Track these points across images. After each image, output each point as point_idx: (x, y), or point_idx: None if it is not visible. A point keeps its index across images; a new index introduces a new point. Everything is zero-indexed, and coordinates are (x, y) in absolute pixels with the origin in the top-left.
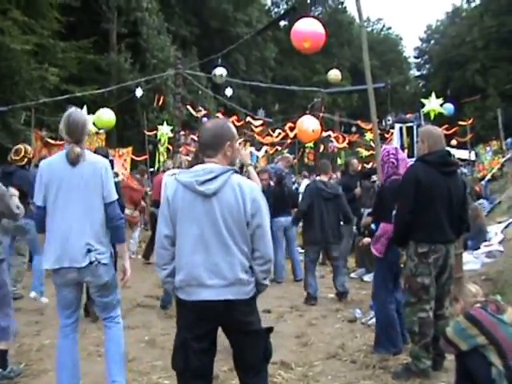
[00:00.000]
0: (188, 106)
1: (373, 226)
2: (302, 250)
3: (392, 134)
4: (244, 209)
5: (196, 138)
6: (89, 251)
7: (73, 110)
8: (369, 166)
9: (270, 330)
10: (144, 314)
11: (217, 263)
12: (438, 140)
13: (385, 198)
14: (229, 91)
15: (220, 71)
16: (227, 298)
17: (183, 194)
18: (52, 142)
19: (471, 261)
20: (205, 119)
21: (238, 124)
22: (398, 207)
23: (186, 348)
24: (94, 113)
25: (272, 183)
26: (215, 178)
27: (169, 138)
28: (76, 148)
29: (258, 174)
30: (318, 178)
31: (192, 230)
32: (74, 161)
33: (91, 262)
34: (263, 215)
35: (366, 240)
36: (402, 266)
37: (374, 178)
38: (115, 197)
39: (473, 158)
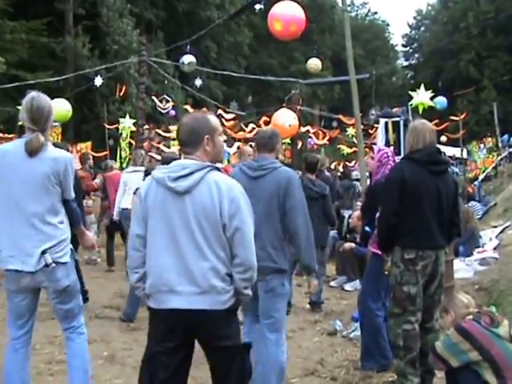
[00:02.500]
0: (153, 97)
1: (367, 228)
2: None
3: (376, 129)
4: (220, 209)
5: (161, 133)
6: (43, 253)
7: (35, 93)
8: (351, 164)
9: (248, 345)
10: (103, 327)
11: (189, 268)
12: (419, 136)
13: (377, 195)
14: (198, 81)
15: (188, 59)
16: (200, 307)
17: (156, 191)
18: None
19: (463, 268)
20: (172, 112)
21: None
22: (382, 209)
23: (153, 363)
24: None
25: None
26: (190, 174)
27: (131, 132)
28: (41, 137)
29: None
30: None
31: (163, 230)
32: (34, 151)
33: (47, 265)
34: (244, 217)
35: (348, 245)
36: (386, 273)
37: (357, 174)
38: (73, 195)
39: (465, 156)
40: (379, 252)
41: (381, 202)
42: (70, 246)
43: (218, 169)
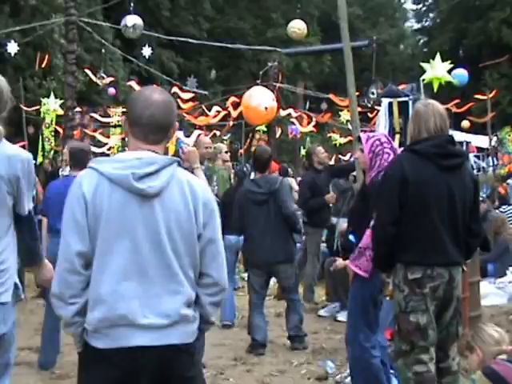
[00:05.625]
0: (86, 71)
1: (351, 237)
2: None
3: (377, 112)
4: (195, 216)
5: (98, 117)
6: None
7: None
8: (346, 157)
9: None
10: (19, 376)
11: (157, 294)
12: (421, 122)
13: (370, 197)
14: (146, 51)
15: (133, 21)
16: (170, 342)
17: (111, 193)
18: None
19: (493, 293)
20: (111, 90)
21: None
22: (377, 216)
23: None
24: None
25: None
26: (157, 171)
27: (57, 117)
28: None
29: None
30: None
31: (122, 246)
32: None
33: None
34: (217, 226)
35: (341, 263)
36: (387, 298)
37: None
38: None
39: (494, 145)
40: (362, 273)
41: (375, 207)
42: (16, 279)
43: (180, 164)
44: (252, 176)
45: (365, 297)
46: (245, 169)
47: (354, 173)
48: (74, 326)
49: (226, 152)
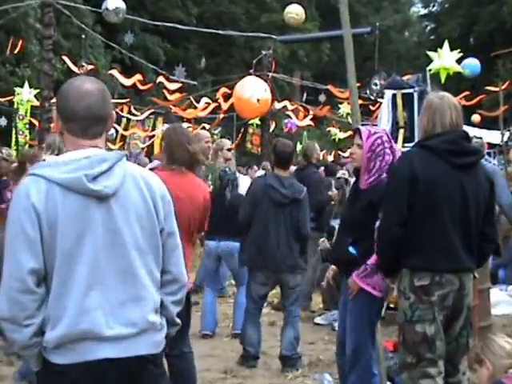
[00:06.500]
0: (64, 58)
1: (351, 249)
2: None
3: (380, 105)
4: (156, 211)
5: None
6: None
7: None
8: (345, 154)
9: None
10: None
11: (121, 302)
12: (436, 115)
13: (374, 205)
14: (129, 37)
15: (115, 3)
16: (137, 353)
17: (64, 199)
18: None
19: (504, 301)
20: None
21: (143, 88)
22: (383, 216)
23: None
24: None
25: None
26: (110, 169)
27: (32, 108)
28: None
29: None
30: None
31: (84, 253)
32: None
33: None
34: (174, 219)
35: (333, 269)
36: (390, 306)
37: (344, 172)
38: None
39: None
40: (377, 293)
41: (382, 207)
42: None
43: (128, 158)
44: (273, 171)
45: (372, 313)
46: (227, 169)
47: (344, 172)
48: (32, 348)
49: (229, 149)
